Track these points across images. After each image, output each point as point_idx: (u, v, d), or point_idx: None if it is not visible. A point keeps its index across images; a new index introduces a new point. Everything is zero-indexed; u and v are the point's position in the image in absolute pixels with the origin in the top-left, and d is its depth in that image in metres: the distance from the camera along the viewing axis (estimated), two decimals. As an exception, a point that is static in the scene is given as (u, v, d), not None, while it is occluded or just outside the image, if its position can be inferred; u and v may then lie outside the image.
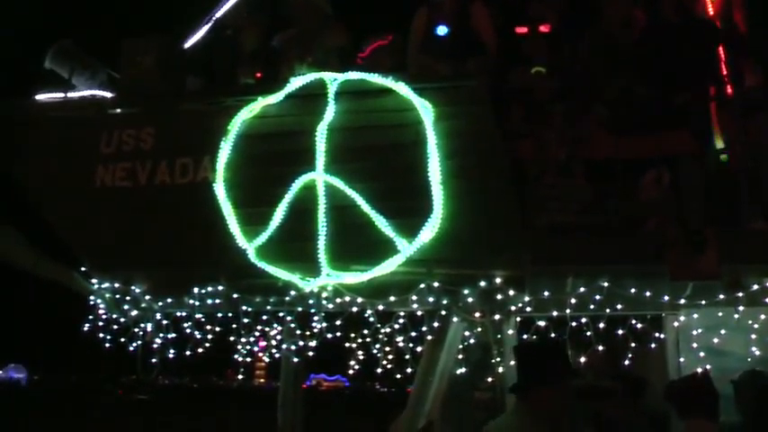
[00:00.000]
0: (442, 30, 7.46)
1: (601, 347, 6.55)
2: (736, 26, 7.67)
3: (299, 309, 6.93)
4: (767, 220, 6.85)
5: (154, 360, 7.41)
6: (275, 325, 7.18)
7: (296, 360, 7.56)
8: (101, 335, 7.36)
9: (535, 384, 4.18)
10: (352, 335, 7.42)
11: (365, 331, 7.01)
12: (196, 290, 6.94)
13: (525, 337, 6.59)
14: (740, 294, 6.48)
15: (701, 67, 7.10)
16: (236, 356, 7.49)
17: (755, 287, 6.48)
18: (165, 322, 7.28)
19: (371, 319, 6.82)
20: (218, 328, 7.30)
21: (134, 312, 7.28)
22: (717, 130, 7.20)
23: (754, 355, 6.55)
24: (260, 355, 7.94)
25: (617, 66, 7.09)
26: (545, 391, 4.15)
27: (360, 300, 6.63)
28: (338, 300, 6.69)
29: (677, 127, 6.81)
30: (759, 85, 7.33)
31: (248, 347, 7.39)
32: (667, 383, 5.51)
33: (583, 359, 6.63)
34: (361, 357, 7.74)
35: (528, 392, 4.22)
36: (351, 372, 7.86)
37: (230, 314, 7.14)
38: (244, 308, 6.97)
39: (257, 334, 7.26)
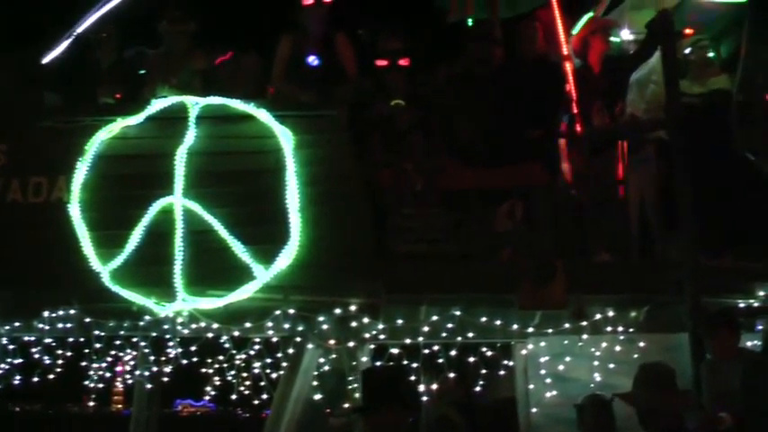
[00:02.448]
0: (313, 60, 7.54)
1: (452, 374, 6.71)
2: (590, 68, 8.04)
3: (154, 334, 6.83)
4: (610, 253, 7.23)
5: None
6: (128, 350, 7.05)
7: (149, 386, 7.43)
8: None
9: (378, 404, 4.25)
10: (209, 360, 7.38)
11: (221, 357, 6.97)
12: (46, 313, 6.73)
13: (379, 363, 6.69)
14: (584, 323, 6.80)
15: (552, 104, 7.43)
16: (88, 382, 7.32)
17: (598, 316, 6.84)
18: (11, 347, 7.03)
19: (227, 345, 6.78)
20: (69, 354, 7.11)
21: (-23, 337, 7.02)
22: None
23: (596, 381, 6.83)
24: (117, 380, 7.80)
25: (473, 100, 7.34)
26: (387, 411, 4.23)
27: (215, 325, 6.59)
28: (193, 325, 6.63)
29: (530, 160, 7.09)
30: (605, 125, 7.72)
31: (100, 373, 7.23)
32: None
33: (435, 386, 6.78)
34: (219, 383, 7.71)
35: (371, 412, 4.29)
36: (207, 397, 7.79)
37: (82, 339, 6.96)
38: (96, 332, 6.81)
39: (109, 359, 7.11)
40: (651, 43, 7.64)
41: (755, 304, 6.92)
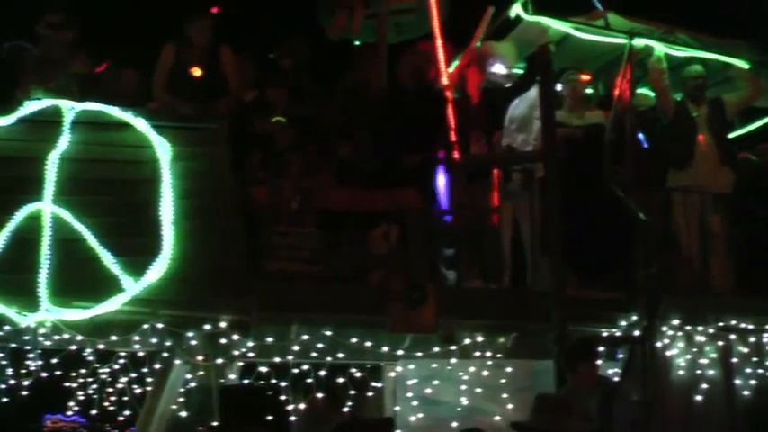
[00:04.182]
0: (196, 71, 7.45)
1: (321, 394, 6.71)
2: (469, 97, 8.20)
3: (13, 345, 6.58)
4: (483, 279, 7.38)
5: None
6: (-16, 362, 6.77)
7: (5, 399, 7.14)
8: None
9: (237, 423, 4.23)
10: (73, 374, 7.15)
11: (83, 370, 6.78)
12: None
13: (246, 381, 6.65)
14: (453, 347, 6.90)
15: (432, 131, 7.55)
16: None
17: (467, 341, 6.94)
18: None
19: (91, 358, 6.60)
20: None
21: None
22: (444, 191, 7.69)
23: (463, 405, 6.95)
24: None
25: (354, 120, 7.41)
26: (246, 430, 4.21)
27: (79, 337, 6.39)
28: (56, 336, 6.40)
29: (407, 185, 7.17)
30: (483, 154, 7.90)
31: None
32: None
33: (302, 405, 6.76)
34: (84, 398, 7.48)
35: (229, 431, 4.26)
36: (70, 413, 7.56)
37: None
38: (-51, 342, 6.52)
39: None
40: (530, 77, 7.87)
41: (617, 333, 7.19)
